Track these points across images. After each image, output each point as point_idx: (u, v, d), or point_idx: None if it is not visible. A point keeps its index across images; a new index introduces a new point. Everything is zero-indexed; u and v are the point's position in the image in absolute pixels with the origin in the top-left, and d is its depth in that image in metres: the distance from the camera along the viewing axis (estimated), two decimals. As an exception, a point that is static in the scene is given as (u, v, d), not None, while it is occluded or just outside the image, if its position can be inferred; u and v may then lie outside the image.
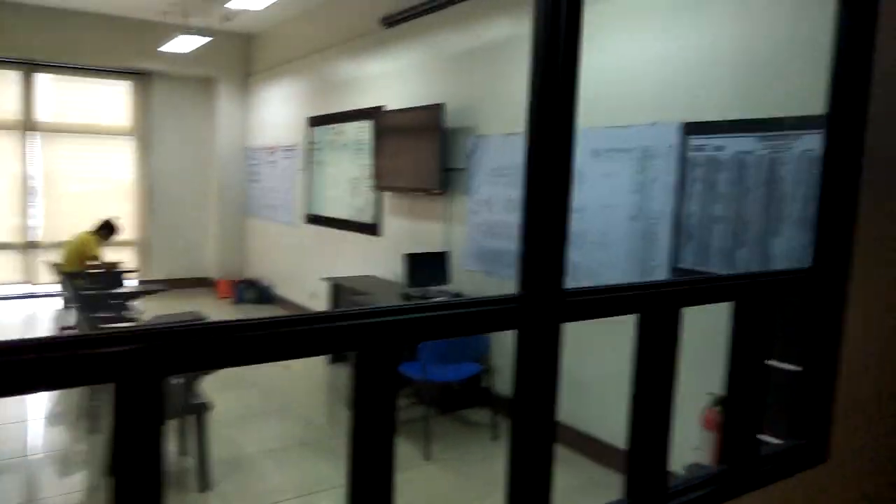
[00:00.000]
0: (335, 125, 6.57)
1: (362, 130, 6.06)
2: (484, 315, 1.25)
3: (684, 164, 3.24)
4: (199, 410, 3.39)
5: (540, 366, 1.29)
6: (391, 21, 5.54)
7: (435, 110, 4.84)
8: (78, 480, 3.55)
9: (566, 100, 1.24)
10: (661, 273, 3.31)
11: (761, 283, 1.67)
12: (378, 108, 5.74)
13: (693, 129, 3.21)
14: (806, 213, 2.71)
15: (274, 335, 1.00)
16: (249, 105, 8.64)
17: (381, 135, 5.55)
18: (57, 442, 4.02)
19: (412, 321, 1.14)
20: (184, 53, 7.49)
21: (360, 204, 6.17)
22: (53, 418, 4.34)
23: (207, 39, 6.80)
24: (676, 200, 3.26)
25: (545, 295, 1.28)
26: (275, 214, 7.98)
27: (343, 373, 5.17)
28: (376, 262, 5.87)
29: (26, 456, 3.76)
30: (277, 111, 7.92)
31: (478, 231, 4.61)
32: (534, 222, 1.25)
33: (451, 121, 4.80)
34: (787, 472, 1.69)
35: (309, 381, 5.22)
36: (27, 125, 7.85)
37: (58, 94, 8.16)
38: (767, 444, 1.84)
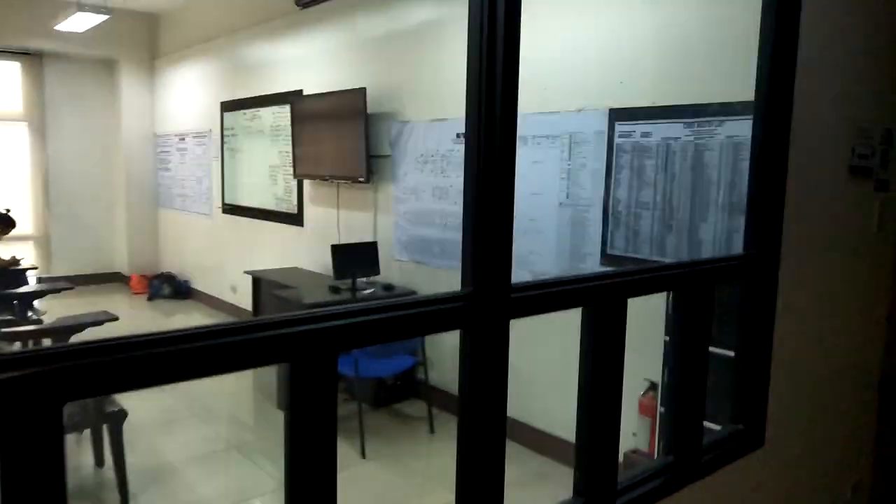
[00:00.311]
0: (250, 110, 6.29)
1: (280, 116, 5.83)
2: (429, 316, 1.18)
3: (612, 150, 3.27)
4: (114, 419, 3.17)
5: (488, 365, 1.24)
6: (307, 2, 5.33)
7: (356, 95, 4.70)
8: None
9: (507, 86, 1.18)
10: (592, 260, 3.35)
11: (701, 271, 1.68)
12: (296, 93, 5.53)
13: (620, 115, 3.24)
14: (731, 198, 2.79)
15: (194, 350, 0.89)
16: (157, 89, 8.15)
17: (300, 120, 5.35)
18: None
19: (351, 327, 1.06)
20: (80, 32, 6.95)
21: (280, 193, 5.95)
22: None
23: (105, 17, 6.33)
24: (605, 187, 3.29)
25: (492, 292, 1.23)
26: (189, 205, 7.59)
27: (271, 369, 4.99)
28: (300, 253, 5.68)
29: None
30: (187, 96, 7.51)
31: (405, 220, 4.53)
32: (477, 215, 1.19)
33: (374, 106, 4.67)
34: (728, 458, 1.72)
35: (235, 379, 5.01)
36: None
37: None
38: (707, 430, 1.88)
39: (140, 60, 8.05)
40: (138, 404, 4.03)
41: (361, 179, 4.75)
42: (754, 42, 1.87)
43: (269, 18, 5.93)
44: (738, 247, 2.69)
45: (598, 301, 1.48)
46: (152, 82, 8.16)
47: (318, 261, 5.33)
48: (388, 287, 4.47)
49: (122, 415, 3.18)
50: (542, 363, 3.52)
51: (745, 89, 2.54)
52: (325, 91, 5.13)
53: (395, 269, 4.62)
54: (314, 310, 1.00)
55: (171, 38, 7.82)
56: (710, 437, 1.73)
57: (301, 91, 5.49)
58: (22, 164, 7.93)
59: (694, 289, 1.62)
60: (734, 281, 1.85)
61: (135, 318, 6.71)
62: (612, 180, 3.27)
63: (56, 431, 0.79)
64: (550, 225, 3.56)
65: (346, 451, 3.64)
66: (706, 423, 1.90)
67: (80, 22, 6.49)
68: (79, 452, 3.61)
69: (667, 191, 3.04)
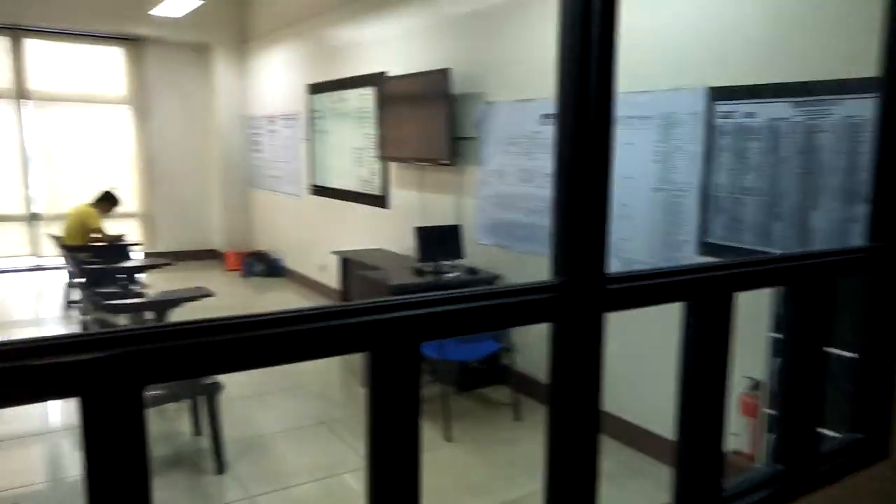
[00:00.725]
0: (336, 92, 6.37)
1: (365, 98, 5.87)
2: (517, 307, 1.13)
3: (711, 132, 3.08)
4: (211, 390, 3.31)
5: (580, 361, 1.17)
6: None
7: (441, 76, 4.65)
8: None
9: (604, 59, 1.09)
10: (688, 248, 3.18)
11: (821, 264, 1.54)
12: (381, 74, 5.54)
13: (720, 94, 3.04)
14: (848, 184, 2.57)
15: (272, 336, 0.88)
16: (248, 72, 8.41)
17: (384, 102, 5.37)
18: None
19: (434, 316, 1.02)
20: (176, 18, 7.24)
21: (365, 175, 6.01)
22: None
23: (200, 3, 6.55)
24: (703, 171, 3.11)
25: (585, 282, 1.15)
26: (279, 185, 7.82)
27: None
28: (385, 234, 5.74)
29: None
30: (276, 78, 7.70)
31: (490, 203, 4.47)
32: (570, 200, 1.12)
33: (458, 87, 4.62)
34: (846, 470, 1.59)
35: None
36: (20, 93, 7.64)
37: (50, 61, 7.93)
38: (823, 437, 1.74)
39: (232, 44, 8.32)
40: (233, 377, 4.20)
41: (445, 162, 4.72)
42: (877, 11, 1.69)
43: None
44: (854, 238, 2.48)
45: (703, 295, 1.38)
46: (244, 65, 8.42)
47: (403, 243, 5.36)
48: (472, 271, 4.44)
49: (217, 387, 3.32)
50: (636, 352, 3.41)
51: (863, 65, 2.32)
52: (408, 72, 5.12)
53: (478, 252, 4.58)
54: (395, 297, 0.97)
55: (261, 22, 8.02)
56: (826, 446, 1.59)
57: (385, 73, 5.50)
58: (126, 146, 8.39)
59: (812, 284, 1.49)
60: (857, 275, 1.70)
61: (229, 294, 7.00)
62: (711, 164, 3.09)
63: (137, 412, 0.79)
64: (643, 210, 3.41)
65: (430, 434, 3.66)
66: (821, 431, 1.76)
67: (176, 7, 6.75)
68: (178, 420, 3.80)
69: (773, 176, 2.84)
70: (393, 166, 5.62)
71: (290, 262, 7.75)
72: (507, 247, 4.35)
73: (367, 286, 4.40)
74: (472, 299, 1.08)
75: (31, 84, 7.69)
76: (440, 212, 4.99)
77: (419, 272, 4.37)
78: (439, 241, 4.43)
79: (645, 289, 1.23)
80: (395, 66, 5.40)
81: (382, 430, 0.99)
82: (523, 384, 4.04)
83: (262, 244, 8.38)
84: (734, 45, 2.97)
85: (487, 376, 4.31)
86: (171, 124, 8.47)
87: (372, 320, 0.96)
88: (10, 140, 7.69)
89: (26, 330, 5.94)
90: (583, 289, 1.16)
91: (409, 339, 0.99)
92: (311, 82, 6.83)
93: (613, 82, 1.14)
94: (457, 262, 4.56)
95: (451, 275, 4.36)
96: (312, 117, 6.87)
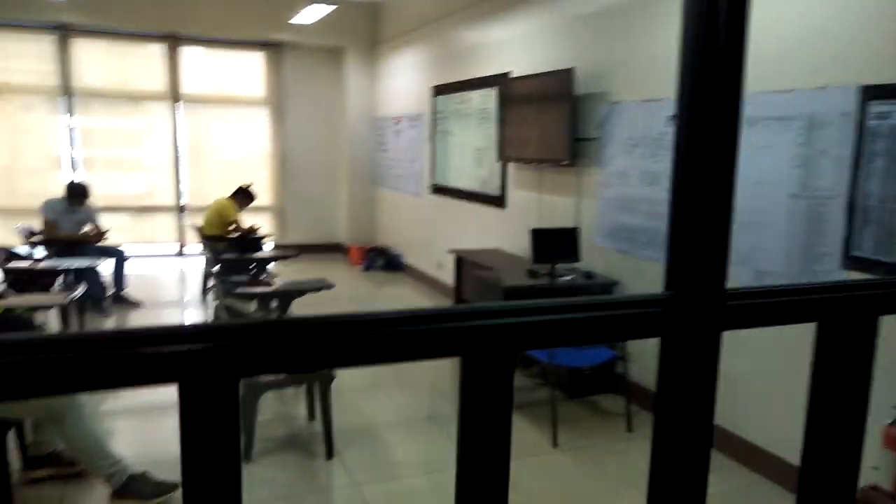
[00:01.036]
0: (460, 93, 6.42)
1: (487, 98, 5.87)
2: (622, 320, 1.05)
3: (863, 134, 2.78)
4: (324, 379, 3.43)
5: (692, 382, 1.07)
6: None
7: (564, 76, 4.55)
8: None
9: (731, 53, 0.99)
10: (830, 262, 2.90)
11: None
12: (504, 75, 5.52)
13: (875, 92, 2.74)
14: None
15: (365, 337, 0.87)
16: (377, 74, 8.69)
17: (506, 103, 5.34)
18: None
19: (530, 326, 0.97)
20: (312, 24, 7.62)
21: (485, 175, 6.02)
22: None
23: (333, 8, 6.84)
24: (852, 177, 2.82)
25: (701, 297, 1.05)
26: (402, 184, 8.02)
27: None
28: (502, 234, 5.71)
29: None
30: (403, 80, 7.89)
31: (611, 206, 4.32)
32: (688, 204, 1.02)
33: (581, 87, 4.50)
34: None
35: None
36: (174, 96, 8.36)
37: (200, 67, 8.62)
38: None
39: (363, 48, 8.62)
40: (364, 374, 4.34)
41: (565, 163, 4.62)
42: None
43: (480, 1, 5.98)
44: None
45: (840, 317, 1.23)
46: (373, 68, 8.70)
47: (519, 243, 5.32)
48: (589, 275, 4.31)
49: (330, 376, 3.44)
50: (758, 367, 3.16)
51: None
52: (532, 73, 5.05)
53: (596, 256, 4.44)
54: (489, 304, 0.94)
55: (390, 26, 8.25)
56: None
57: (508, 73, 5.47)
58: (263, 144, 8.95)
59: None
60: None
61: (350, 286, 7.28)
62: (862, 169, 2.79)
63: (231, 402, 0.81)
64: (778, 219, 3.15)
65: (536, 438, 3.59)
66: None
67: (312, 13, 7.10)
68: (296, 404, 3.99)
69: (936, 183, 2.52)
70: (512, 167, 5.58)
71: (409, 259, 7.93)
72: (627, 252, 4.18)
73: (480, 285, 4.40)
74: (573, 310, 1.02)
75: (185, 87, 8.39)
76: (558, 213, 4.89)
77: (533, 274, 4.31)
78: (555, 244, 4.34)
79: (771, 307, 1.11)
80: (519, 66, 5.35)
81: (472, 439, 0.96)
82: (638, 395, 3.87)
83: (384, 240, 8.63)
84: (893, 38, 2.67)
85: (600, 384, 4.16)
86: (304, 124, 8.93)
87: (463, 326, 0.93)
88: (165, 138, 8.43)
89: (169, 311, 6.49)
90: (698, 304, 1.07)
91: (502, 348, 0.95)
92: (436, 84, 6.93)
93: (741, 79, 1.03)
94: (573, 265, 4.45)
95: (565, 278, 4.25)
96: (435, 118, 6.97)
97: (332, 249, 9.18)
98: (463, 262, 5.35)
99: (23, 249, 5.65)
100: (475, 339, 0.93)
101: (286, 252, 6.75)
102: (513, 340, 0.96)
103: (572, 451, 3.50)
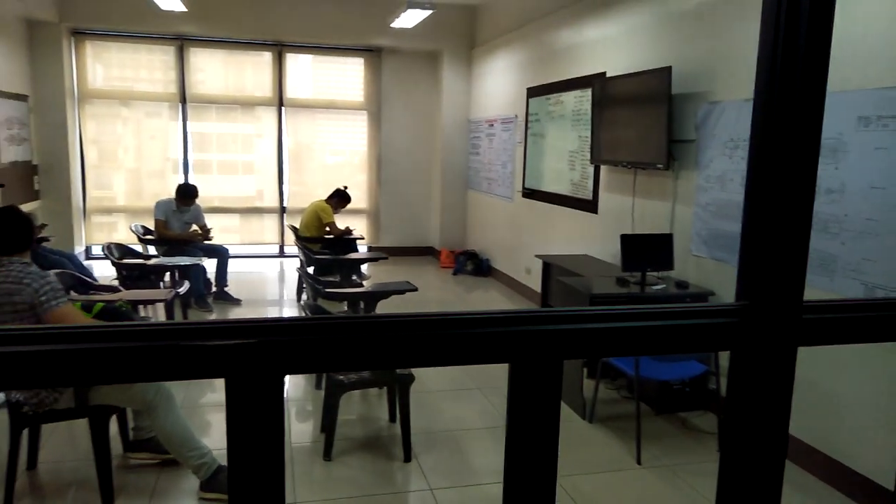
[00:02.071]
0: (553, 95, 6.32)
1: (582, 100, 5.74)
2: (686, 331, 0.97)
3: None
4: (403, 381, 3.45)
5: (765, 399, 0.98)
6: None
7: (661, 75, 4.37)
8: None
9: (815, 51, 0.90)
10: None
11: None
12: (598, 76, 5.37)
13: None
14: None
15: (412, 339, 0.86)
16: (472, 77, 8.71)
17: (600, 104, 5.19)
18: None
19: (582, 333, 0.92)
20: (411, 28, 7.74)
21: (576, 178, 5.88)
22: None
23: (431, 12, 6.91)
24: (983, 181, 2.52)
25: (775, 309, 0.96)
26: (493, 187, 8.00)
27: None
28: (592, 240, 5.56)
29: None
30: (497, 82, 7.87)
31: (707, 211, 4.09)
32: (763, 209, 0.94)
33: (679, 86, 4.30)
34: None
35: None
36: (279, 101, 8.73)
37: (304, 73, 8.97)
38: None
39: (459, 51, 8.67)
40: (428, 371, 4.36)
41: (660, 166, 4.43)
42: None
43: (576, 1, 5.86)
44: None
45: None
46: (469, 71, 8.73)
47: (609, 250, 5.15)
48: (682, 284, 4.10)
49: (409, 379, 3.45)
50: (856, 386, 2.88)
51: None
52: (627, 72, 4.89)
53: (691, 265, 4.22)
54: (537, 310, 0.90)
55: (486, 28, 8.25)
56: None
57: (604, 73, 5.32)
58: (360, 148, 9.18)
59: None
60: None
61: (438, 290, 7.32)
62: None
63: (276, 397, 0.82)
64: (895, 228, 2.86)
65: (619, 454, 3.45)
66: None
67: (411, 18, 7.21)
68: (379, 406, 4.04)
69: None
70: (604, 170, 5.42)
71: (498, 263, 7.88)
72: (725, 261, 3.95)
73: (566, 292, 4.29)
74: (631, 318, 0.96)
75: (289, 93, 8.76)
76: (651, 218, 4.70)
77: (622, 282, 4.15)
78: (647, 250, 4.16)
79: (851, 322, 1.00)
80: (614, 66, 5.20)
81: (519, 447, 0.92)
82: (733, 414, 3.63)
83: (474, 244, 8.63)
84: None
85: (690, 400, 3.95)
86: (399, 128, 9.09)
87: (511, 331, 0.90)
88: (270, 142, 8.84)
89: (265, 309, 6.78)
90: (773, 316, 0.98)
91: (550, 355, 0.91)
92: (530, 85, 6.86)
93: (824, 79, 0.93)
94: (665, 273, 4.25)
95: (656, 287, 4.07)
96: (529, 120, 6.90)
97: (423, 252, 9.28)
98: (550, 267, 5.25)
99: (137, 247, 6.08)
100: (522, 344, 0.89)
101: (378, 255, 6.88)
102: (561, 347, 0.92)
103: (657, 468, 3.33)
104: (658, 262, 4.18)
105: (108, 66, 8.47)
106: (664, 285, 4.09)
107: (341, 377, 3.36)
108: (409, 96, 9.05)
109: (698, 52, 4.21)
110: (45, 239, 5.96)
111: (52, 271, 4.16)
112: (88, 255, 8.36)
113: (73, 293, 3.97)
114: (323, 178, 8.89)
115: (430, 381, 4.38)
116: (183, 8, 6.94)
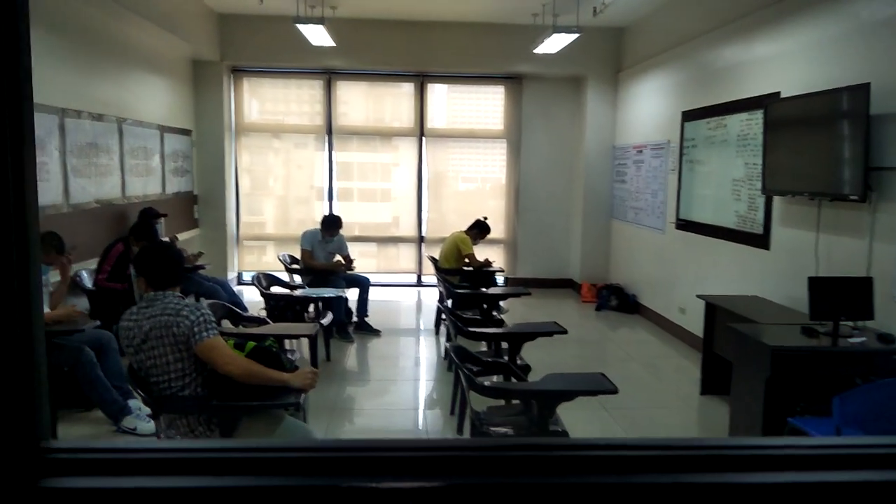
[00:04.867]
0: (714, 118, 5.76)
1: (749, 123, 5.16)
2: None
3: None
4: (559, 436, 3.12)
5: None
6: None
7: (856, 93, 3.77)
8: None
9: None
10: None
11: None
12: (771, 96, 4.80)
13: None
14: None
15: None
16: (618, 102, 8.28)
17: (775, 127, 4.61)
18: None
19: None
20: (553, 53, 7.48)
21: (742, 210, 5.28)
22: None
23: (576, 36, 6.61)
24: None
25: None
26: (641, 218, 7.47)
27: (720, 406, 4.46)
28: (761, 280, 4.94)
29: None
30: (646, 106, 7.39)
31: (920, 252, 3.43)
32: None
33: (878, 106, 3.68)
34: None
35: (678, 413, 4.64)
36: (420, 131, 8.77)
37: (445, 102, 8.97)
38: None
39: (605, 75, 8.28)
40: (585, 426, 4.01)
41: (854, 197, 3.81)
42: None
43: (738, 17, 5.32)
44: None
45: None
46: (614, 95, 8.31)
47: (787, 292, 4.53)
48: (886, 338, 3.46)
49: (565, 434, 3.12)
50: None
51: None
52: (807, 91, 4.30)
53: (894, 314, 3.56)
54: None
55: (633, 50, 7.82)
56: None
57: (777, 93, 4.74)
58: (499, 177, 9.00)
59: None
60: None
61: (581, 327, 6.89)
62: None
63: None
64: None
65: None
66: None
67: (554, 43, 6.95)
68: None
69: None
70: (778, 201, 4.81)
71: (646, 300, 7.32)
72: (945, 312, 3.27)
73: (740, 341, 3.77)
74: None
75: (429, 122, 8.78)
76: (840, 258, 4.06)
77: (810, 332, 3.57)
78: (841, 296, 3.56)
79: None
80: (790, 85, 4.61)
81: None
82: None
83: (618, 278, 8.11)
84: None
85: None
86: (539, 155, 8.81)
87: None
88: (409, 172, 8.89)
89: (405, 341, 6.68)
90: None
91: None
92: (685, 109, 6.33)
93: None
94: (863, 323, 3.62)
95: (854, 339, 3.46)
96: (683, 146, 6.36)
97: (562, 285, 8.88)
98: (715, 309, 4.70)
99: (284, 275, 6.22)
100: None
101: (518, 288, 6.60)
102: None
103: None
104: (854, 311, 3.56)
105: (262, 100, 8.95)
106: (864, 338, 3.46)
107: None
108: (550, 123, 8.76)
109: (906, 64, 3.58)
110: (202, 267, 6.24)
111: (206, 301, 4.29)
112: (240, 280, 8.77)
113: (225, 322, 4.04)
114: (461, 207, 8.79)
115: (582, 434, 4.01)
116: (332, 43, 7.13)
